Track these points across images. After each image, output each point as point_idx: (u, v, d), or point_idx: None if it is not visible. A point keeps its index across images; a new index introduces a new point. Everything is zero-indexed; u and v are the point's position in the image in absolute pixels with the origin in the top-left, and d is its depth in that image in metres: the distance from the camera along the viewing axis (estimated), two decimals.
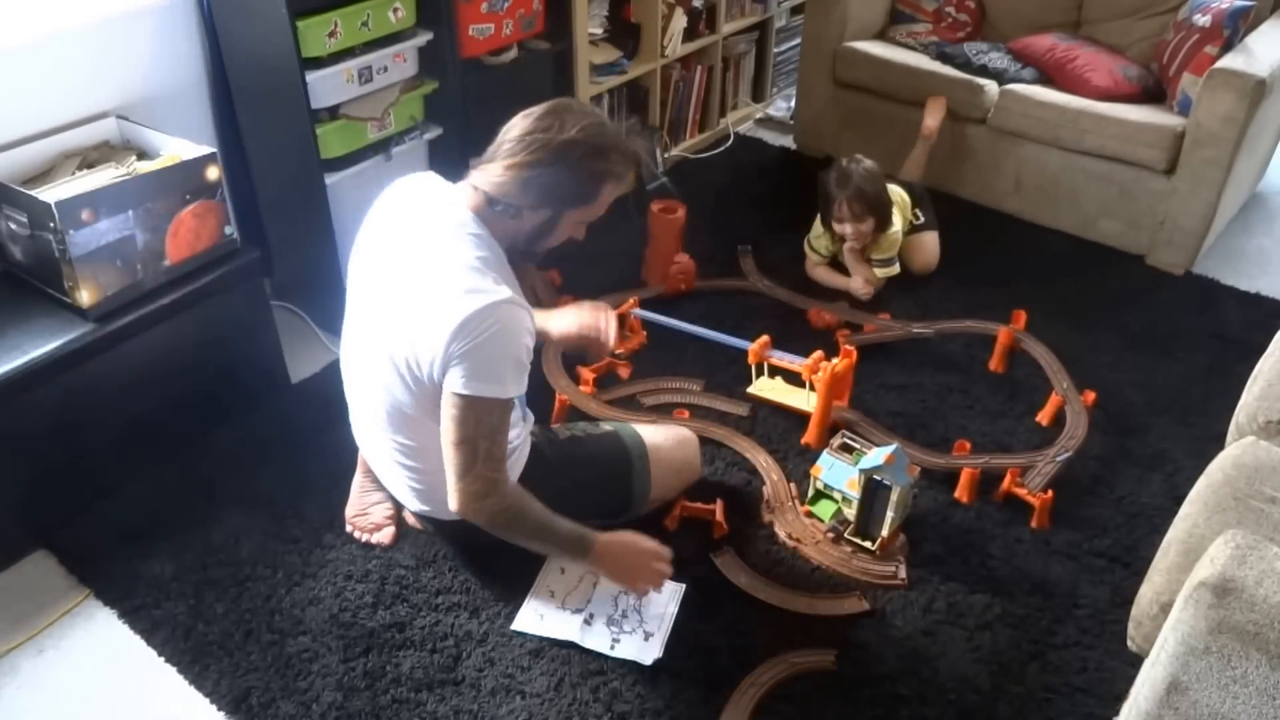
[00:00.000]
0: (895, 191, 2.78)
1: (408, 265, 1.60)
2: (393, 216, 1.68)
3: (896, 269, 2.75)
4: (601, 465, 1.90)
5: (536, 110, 1.60)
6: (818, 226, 2.78)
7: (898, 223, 2.72)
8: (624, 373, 2.41)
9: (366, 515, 1.97)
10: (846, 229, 2.64)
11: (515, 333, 1.53)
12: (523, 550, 1.91)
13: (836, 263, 2.80)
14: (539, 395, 2.08)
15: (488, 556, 1.92)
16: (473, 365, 1.50)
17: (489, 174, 1.59)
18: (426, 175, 1.72)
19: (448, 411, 1.54)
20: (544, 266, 2.71)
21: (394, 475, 1.81)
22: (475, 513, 1.58)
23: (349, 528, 1.98)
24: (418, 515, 1.89)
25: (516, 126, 1.59)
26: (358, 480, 2.01)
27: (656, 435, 1.96)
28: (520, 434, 1.78)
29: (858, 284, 2.72)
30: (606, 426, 1.97)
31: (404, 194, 1.70)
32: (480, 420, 1.53)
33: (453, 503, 1.59)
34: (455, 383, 1.51)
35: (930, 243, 2.85)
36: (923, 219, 2.85)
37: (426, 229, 1.60)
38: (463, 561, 1.92)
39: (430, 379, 1.55)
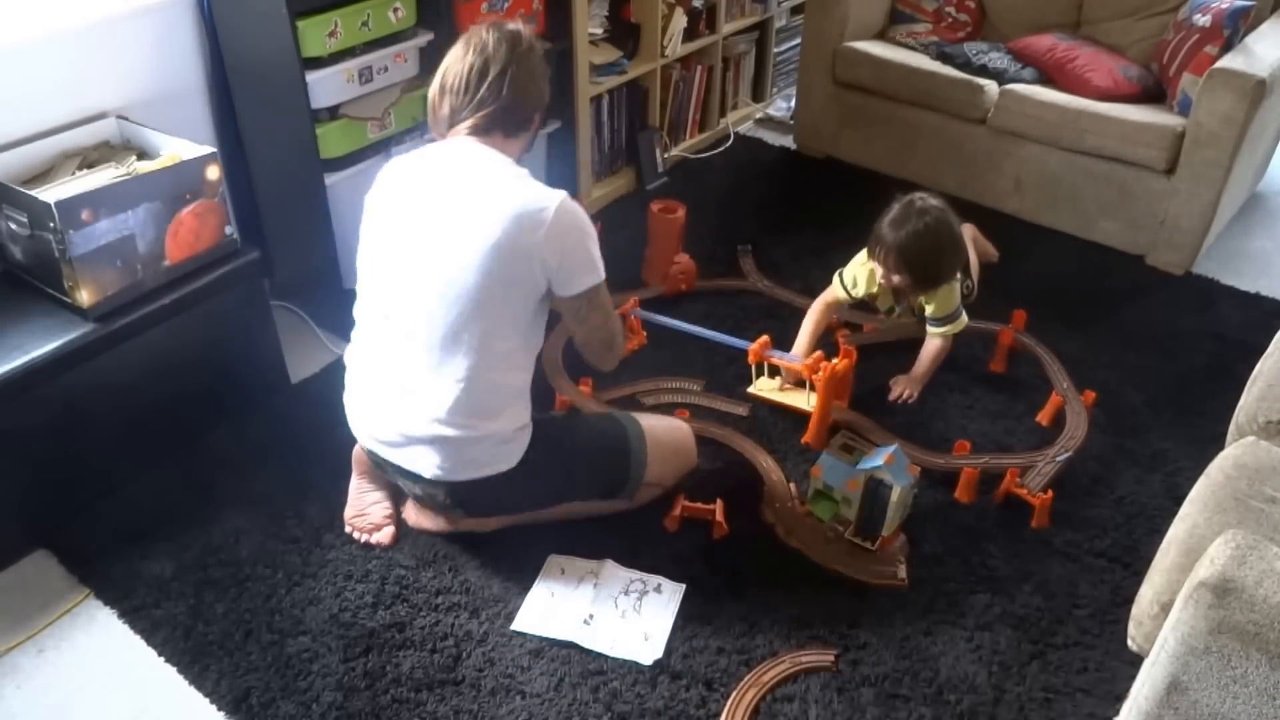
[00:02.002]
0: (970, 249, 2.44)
1: (459, 195, 1.70)
2: (417, 171, 1.79)
3: (960, 324, 2.35)
4: (600, 440, 1.93)
5: (464, 51, 1.76)
6: (861, 256, 2.37)
7: (951, 298, 2.32)
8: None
9: (365, 516, 1.97)
10: (878, 271, 2.28)
11: (584, 219, 1.74)
12: (522, 550, 1.92)
13: (867, 308, 2.52)
14: (540, 394, 2.08)
15: (489, 552, 1.92)
16: (575, 266, 1.72)
17: (486, 113, 1.74)
18: (419, 149, 1.83)
19: (577, 310, 1.78)
20: None
21: (421, 443, 1.77)
22: (618, 359, 1.92)
23: (348, 529, 1.98)
24: (433, 485, 1.83)
25: (477, 73, 1.74)
26: (355, 482, 2.01)
27: (653, 422, 2.01)
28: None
29: (899, 388, 2.37)
30: (606, 412, 2.02)
31: (414, 164, 1.80)
32: (602, 302, 1.80)
33: (613, 362, 1.91)
34: (571, 287, 1.73)
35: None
36: (971, 289, 2.51)
37: (464, 175, 1.73)
38: (463, 561, 1.92)
39: (521, 284, 1.69)
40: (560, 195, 1.69)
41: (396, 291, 1.76)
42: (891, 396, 2.36)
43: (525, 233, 1.65)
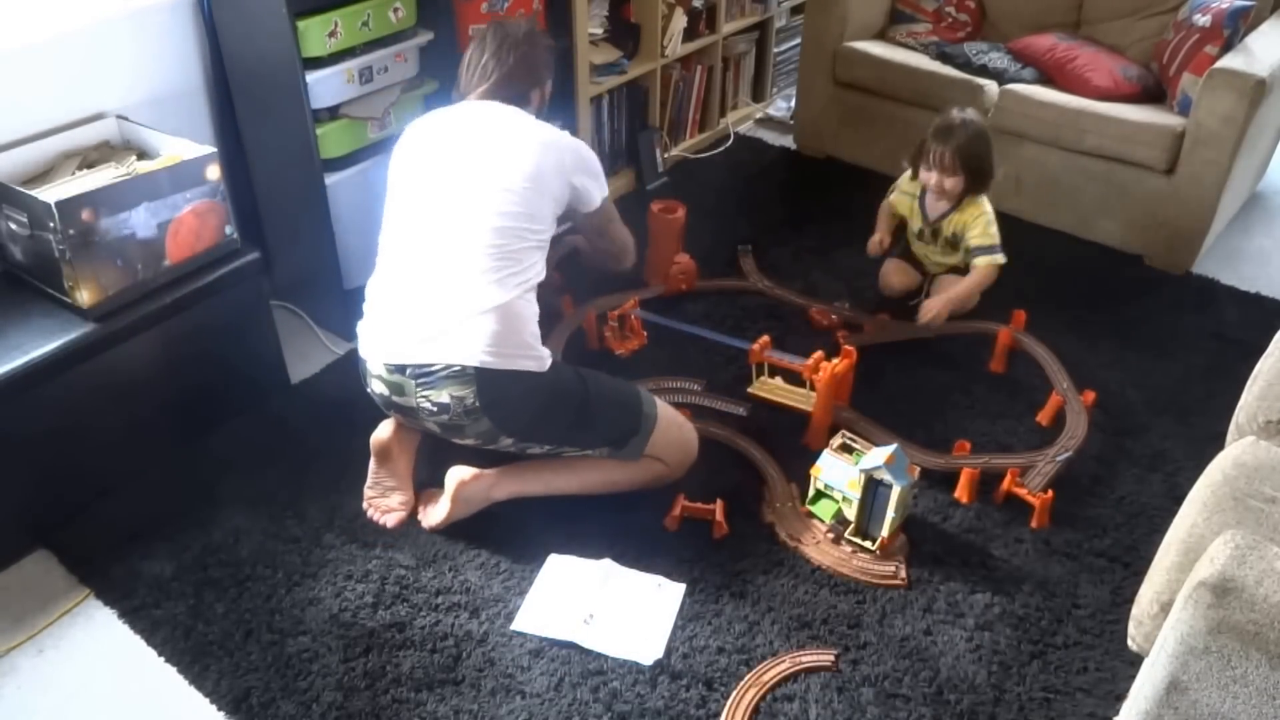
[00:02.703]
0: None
1: (490, 131, 2.00)
2: (447, 118, 2.05)
3: (1001, 257, 2.50)
4: (618, 390, 2.03)
5: (482, 34, 2.12)
6: (902, 181, 2.65)
7: (988, 207, 2.51)
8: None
9: (385, 497, 2.01)
10: (932, 178, 2.47)
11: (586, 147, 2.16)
12: (522, 550, 1.92)
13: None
14: None
15: (489, 552, 1.92)
16: (594, 184, 2.12)
17: (492, 84, 2.07)
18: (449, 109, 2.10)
19: (599, 224, 2.23)
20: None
21: (463, 332, 1.84)
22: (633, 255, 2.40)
23: (365, 504, 2.01)
24: (467, 374, 1.83)
25: (479, 51, 2.09)
26: (373, 468, 2.02)
27: (665, 407, 2.08)
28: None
29: (928, 309, 2.48)
30: (626, 382, 2.13)
31: (441, 112, 2.08)
32: (614, 213, 2.27)
33: (630, 259, 2.39)
34: (593, 203, 2.14)
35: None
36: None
37: (488, 113, 2.04)
38: (463, 561, 1.92)
39: (553, 185, 1.99)
40: (560, 131, 2.07)
41: (439, 213, 1.93)
42: (922, 318, 2.49)
43: (555, 156, 1.99)
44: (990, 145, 2.49)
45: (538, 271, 1.97)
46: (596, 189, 2.13)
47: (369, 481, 2.03)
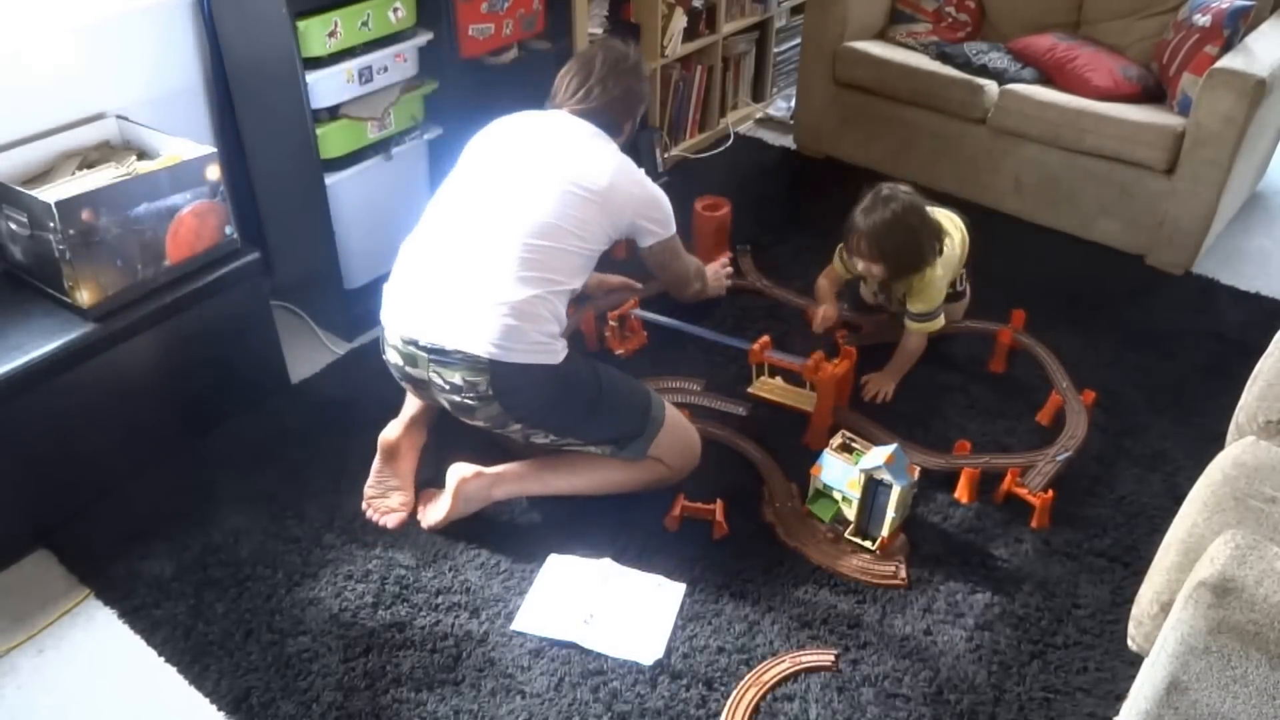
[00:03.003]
0: (955, 238, 2.41)
1: (566, 137, 2.03)
2: (528, 121, 2.09)
3: (937, 324, 2.38)
4: (627, 388, 2.03)
5: (592, 54, 2.13)
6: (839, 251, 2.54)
7: (940, 273, 2.33)
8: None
9: (385, 498, 2.00)
10: (857, 264, 2.36)
11: (660, 190, 2.15)
12: (522, 550, 1.92)
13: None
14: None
15: (489, 552, 1.92)
16: (655, 226, 2.12)
17: (585, 108, 2.07)
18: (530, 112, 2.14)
19: (659, 258, 2.22)
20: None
21: (478, 319, 1.84)
22: (701, 291, 2.47)
23: (364, 505, 2.00)
24: (478, 365, 1.83)
25: (584, 70, 2.10)
26: (377, 466, 2.02)
27: (673, 410, 2.08)
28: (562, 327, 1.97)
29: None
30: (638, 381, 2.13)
31: (522, 117, 2.11)
32: (677, 250, 2.25)
33: (693, 295, 2.44)
34: (646, 241, 2.15)
35: (956, 310, 2.56)
36: (962, 287, 2.57)
37: (569, 126, 2.06)
38: (463, 561, 1.92)
39: (610, 216, 1.98)
40: (639, 169, 2.08)
41: (491, 201, 1.95)
42: (865, 395, 2.35)
43: (626, 188, 2.00)
44: (915, 227, 2.26)
45: (572, 281, 1.95)
46: (653, 233, 2.12)
47: (370, 480, 2.03)
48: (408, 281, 1.95)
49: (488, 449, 2.08)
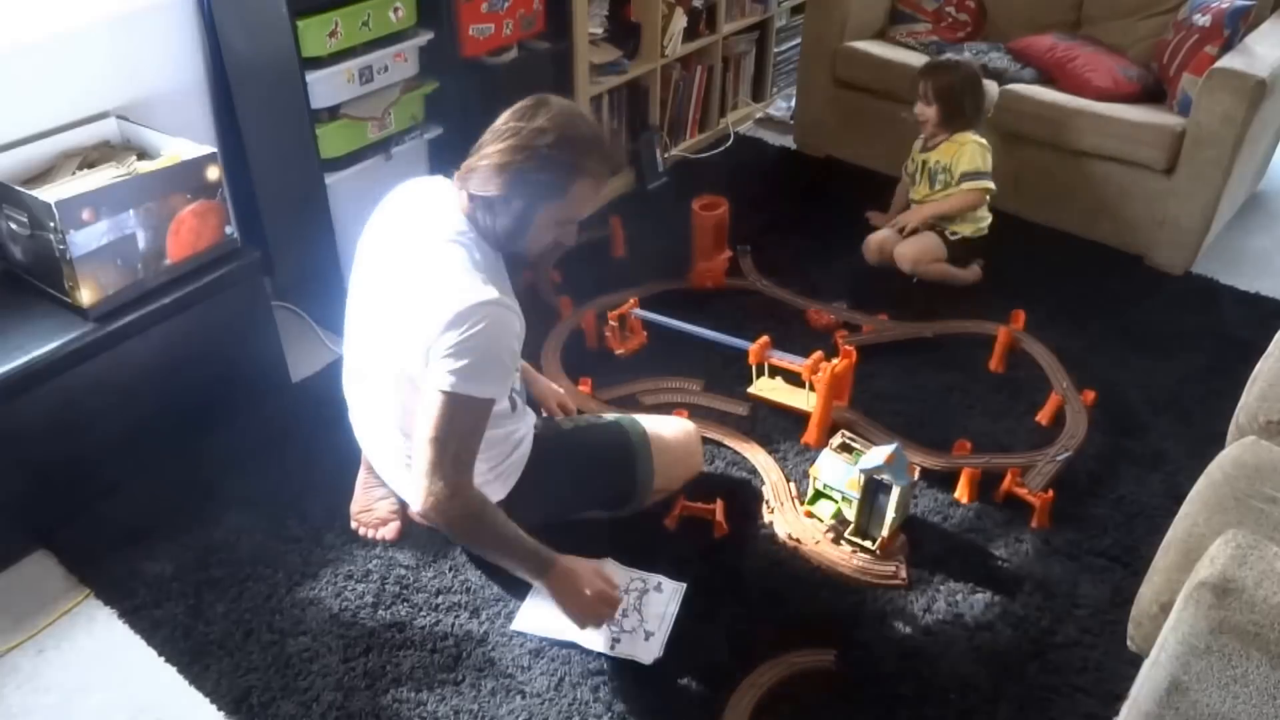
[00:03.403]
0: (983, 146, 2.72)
1: (404, 273, 1.62)
2: (391, 224, 1.72)
3: (987, 184, 2.69)
4: (605, 453, 1.89)
5: (517, 105, 1.63)
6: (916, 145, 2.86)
7: (979, 143, 2.69)
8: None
9: (371, 511, 1.98)
10: (916, 108, 2.73)
11: (500, 334, 1.53)
12: None
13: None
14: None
15: None
16: (455, 362, 1.50)
17: (469, 170, 1.61)
18: (429, 179, 1.76)
19: (425, 408, 1.53)
20: (543, 265, 2.71)
21: (400, 476, 1.80)
22: (436, 514, 1.54)
23: (353, 524, 1.98)
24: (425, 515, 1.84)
25: (497, 121, 1.62)
26: (362, 476, 2.01)
27: (658, 426, 1.96)
28: (523, 430, 1.80)
29: (905, 219, 2.80)
30: (609, 417, 1.97)
31: (403, 200, 1.74)
32: (455, 418, 1.52)
33: (415, 503, 1.56)
34: (437, 378, 1.51)
35: (938, 252, 2.76)
36: (954, 237, 2.76)
37: (421, 235, 1.63)
38: (463, 561, 1.92)
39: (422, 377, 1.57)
40: (488, 295, 1.51)
41: (365, 347, 1.76)
42: (903, 227, 2.76)
43: (434, 318, 1.51)
44: (974, 87, 2.70)
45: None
46: (463, 377, 1.50)
47: (355, 495, 2.00)
48: (352, 411, 1.90)
49: None
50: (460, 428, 1.52)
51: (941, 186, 2.76)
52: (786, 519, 2.00)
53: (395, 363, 1.62)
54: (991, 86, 3.04)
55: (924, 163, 2.80)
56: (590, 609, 1.68)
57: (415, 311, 1.55)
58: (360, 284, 1.74)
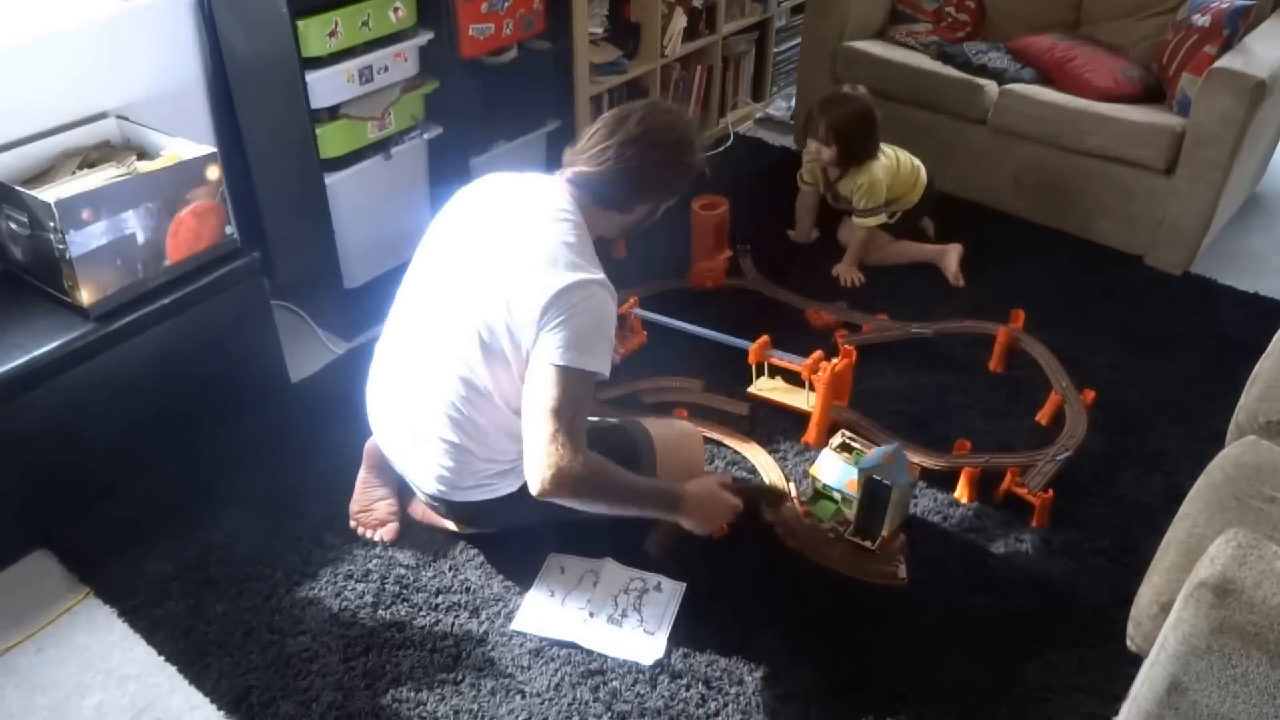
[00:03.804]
0: (911, 165, 2.85)
1: (504, 241, 1.67)
2: (486, 199, 1.79)
3: (877, 219, 2.81)
4: (610, 455, 1.82)
5: (630, 111, 1.75)
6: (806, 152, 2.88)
7: (877, 173, 2.75)
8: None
9: (371, 511, 1.98)
10: (811, 146, 2.76)
11: (606, 311, 1.62)
12: (522, 550, 1.92)
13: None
14: None
15: (490, 547, 1.92)
16: (567, 336, 1.56)
17: (591, 171, 1.72)
18: (515, 175, 1.84)
19: (538, 382, 1.58)
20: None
21: (420, 456, 1.77)
22: (562, 479, 1.55)
23: (352, 523, 1.98)
24: (433, 498, 1.83)
25: (611, 127, 1.73)
26: (363, 476, 2.01)
27: (661, 429, 1.95)
28: None
29: (843, 270, 2.84)
30: (612, 421, 1.96)
31: (497, 183, 1.82)
32: (569, 390, 1.56)
33: (535, 476, 1.56)
34: (549, 353, 1.57)
35: (880, 237, 2.88)
36: (894, 218, 2.87)
37: (525, 209, 1.71)
38: (463, 561, 1.92)
39: (516, 347, 1.61)
40: (598, 275, 1.62)
41: (430, 314, 1.75)
42: (843, 283, 2.81)
43: (552, 315, 1.58)
44: (867, 123, 2.72)
45: (505, 455, 1.73)
46: (576, 351, 1.57)
47: (356, 494, 2.00)
48: (378, 385, 1.89)
49: None
50: (574, 399, 1.57)
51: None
52: (786, 519, 2.00)
53: (484, 329, 1.63)
54: (991, 86, 3.05)
55: (835, 194, 2.88)
56: (716, 519, 1.81)
57: (520, 282, 1.60)
58: (436, 259, 1.78)
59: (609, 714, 1.65)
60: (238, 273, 2.14)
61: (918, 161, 2.89)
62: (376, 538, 1.95)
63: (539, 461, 1.55)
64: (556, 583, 1.87)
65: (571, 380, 1.56)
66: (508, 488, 1.76)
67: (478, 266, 1.68)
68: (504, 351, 1.63)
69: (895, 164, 2.82)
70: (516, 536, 1.95)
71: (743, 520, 1.88)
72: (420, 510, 1.98)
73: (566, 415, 1.55)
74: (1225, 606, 1.12)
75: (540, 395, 1.56)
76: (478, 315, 1.64)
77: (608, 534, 1.97)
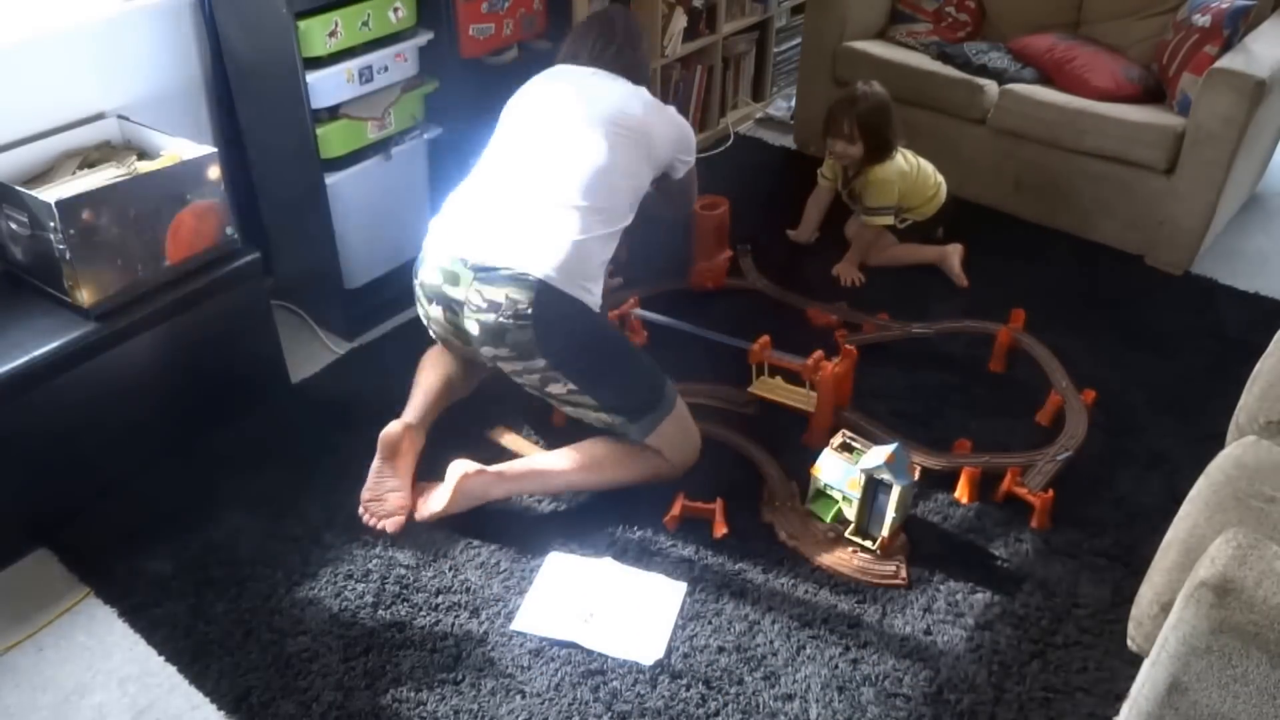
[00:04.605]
0: (933, 178, 2.87)
1: (611, 88, 2.17)
2: (569, 71, 2.23)
3: (885, 219, 2.82)
4: (647, 364, 2.07)
5: (607, 17, 2.32)
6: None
7: (892, 173, 2.76)
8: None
9: (382, 501, 1.99)
10: (836, 145, 2.79)
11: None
12: (522, 549, 1.93)
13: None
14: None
15: (489, 552, 1.92)
16: (687, 157, 2.31)
17: (616, 64, 2.22)
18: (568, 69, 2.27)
19: (689, 182, 2.41)
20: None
21: (539, 248, 1.93)
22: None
23: (361, 509, 1.99)
24: (524, 283, 1.89)
25: (603, 34, 2.26)
26: (377, 465, 2.01)
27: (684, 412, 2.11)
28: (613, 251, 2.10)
29: (844, 269, 2.85)
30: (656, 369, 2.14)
31: (564, 69, 2.26)
32: (693, 174, 2.40)
33: (691, 207, 2.57)
34: (680, 172, 2.32)
35: (886, 239, 2.88)
36: (904, 224, 2.88)
37: (605, 77, 2.21)
38: (463, 561, 1.92)
39: (652, 152, 2.16)
40: (669, 105, 2.25)
41: (544, 142, 2.08)
42: (843, 283, 2.80)
43: (663, 126, 2.18)
44: (889, 116, 2.75)
45: (623, 220, 2.08)
46: (685, 164, 2.31)
47: (368, 482, 2.01)
48: (461, 213, 2.05)
49: (485, 451, 2.08)
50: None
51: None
52: (787, 519, 2.00)
53: (620, 127, 2.08)
54: (991, 86, 3.05)
55: (853, 192, 2.90)
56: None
57: (638, 110, 2.14)
58: (544, 102, 2.16)
59: (609, 714, 1.65)
60: (238, 273, 2.14)
61: (940, 177, 2.89)
62: (382, 527, 1.96)
63: (694, 198, 2.55)
64: (556, 583, 1.87)
65: (693, 171, 2.38)
66: (594, 301, 1.98)
67: (591, 100, 2.11)
68: (635, 145, 2.10)
69: (916, 170, 2.83)
70: (517, 536, 1.96)
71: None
72: (423, 508, 1.98)
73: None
74: (1225, 606, 1.12)
75: (693, 182, 2.45)
76: (608, 123, 2.07)
77: (608, 534, 1.97)
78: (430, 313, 2.07)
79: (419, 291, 2.07)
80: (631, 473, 2.01)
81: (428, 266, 2.02)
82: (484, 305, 1.91)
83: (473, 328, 1.95)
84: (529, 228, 1.96)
